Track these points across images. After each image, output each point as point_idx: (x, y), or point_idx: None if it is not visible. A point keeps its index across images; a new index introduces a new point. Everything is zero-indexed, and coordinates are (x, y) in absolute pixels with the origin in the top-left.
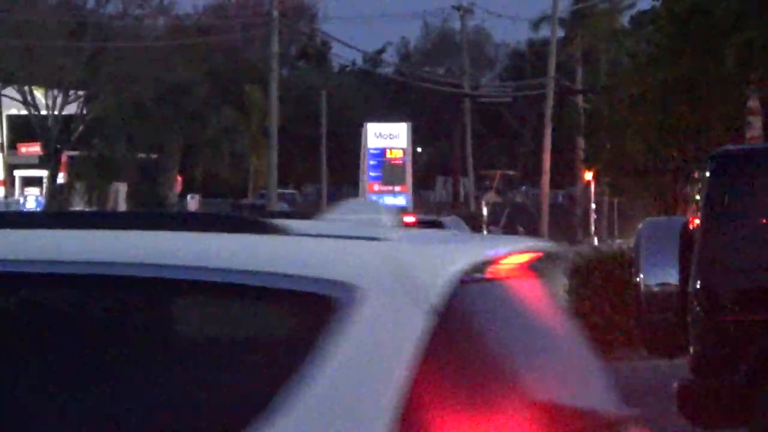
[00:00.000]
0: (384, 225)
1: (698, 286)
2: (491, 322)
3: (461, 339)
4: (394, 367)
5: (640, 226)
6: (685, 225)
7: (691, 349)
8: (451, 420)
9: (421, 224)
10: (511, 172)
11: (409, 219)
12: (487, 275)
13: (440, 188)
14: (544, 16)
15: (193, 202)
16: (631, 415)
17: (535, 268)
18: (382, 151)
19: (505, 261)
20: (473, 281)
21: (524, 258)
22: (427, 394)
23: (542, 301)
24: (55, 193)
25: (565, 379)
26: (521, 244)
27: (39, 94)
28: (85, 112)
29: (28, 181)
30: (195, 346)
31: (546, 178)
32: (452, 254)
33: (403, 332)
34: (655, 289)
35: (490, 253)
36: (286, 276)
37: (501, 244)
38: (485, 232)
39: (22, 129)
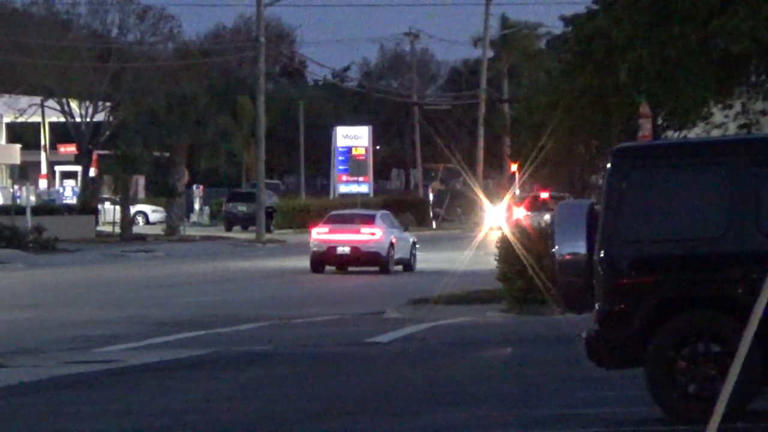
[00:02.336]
0: None
1: (601, 255)
2: None
3: None
4: None
5: (555, 207)
6: (591, 206)
7: (596, 306)
8: None
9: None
10: (451, 166)
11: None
12: None
13: (395, 179)
14: (480, 37)
15: (198, 191)
16: None
17: None
18: (349, 149)
19: None
20: None
21: None
22: None
23: None
24: (87, 184)
25: None
26: None
27: (74, 105)
28: (110, 119)
29: (65, 175)
30: None
31: (480, 170)
32: None
33: None
34: (568, 257)
35: None
36: None
37: None
38: (431, 213)
39: (61, 133)
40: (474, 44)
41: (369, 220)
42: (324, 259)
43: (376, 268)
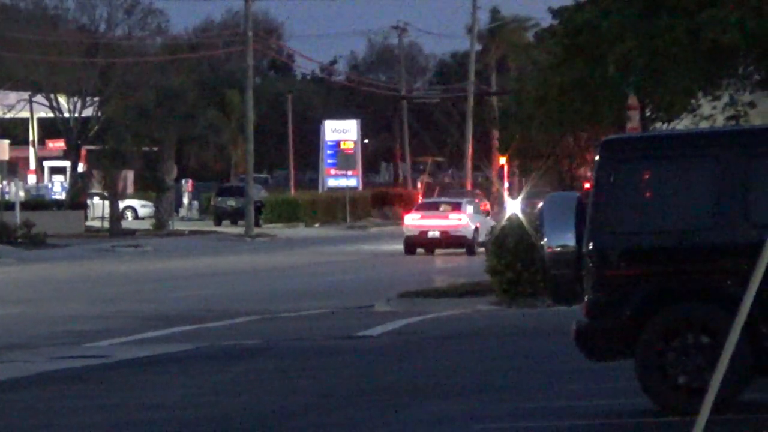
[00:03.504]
0: None
1: (590, 247)
2: None
3: None
4: None
5: (544, 199)
6: (580, 198)
7: (586, 298)
8: None
9: None
10: (440, 159)
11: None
12: None
13: (384, 172)
14: (471, 27)
15: (187, 186)
16: None
17: None
18: (337, 143)
19: None
20: None
21: None
22: None
23: None
24: (76, 179)
25: None
26: None
27: (63, 100)
28: (99, 114)
29: (54, 170)
30: None
31: (469, 163)
32: None
33: None
34: (557, 249)
35: None
36: None
37: None
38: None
39: (49, 128)
40: (468, 31)
41: (456, 207)
42: (416, 243)
43: (463, 250)
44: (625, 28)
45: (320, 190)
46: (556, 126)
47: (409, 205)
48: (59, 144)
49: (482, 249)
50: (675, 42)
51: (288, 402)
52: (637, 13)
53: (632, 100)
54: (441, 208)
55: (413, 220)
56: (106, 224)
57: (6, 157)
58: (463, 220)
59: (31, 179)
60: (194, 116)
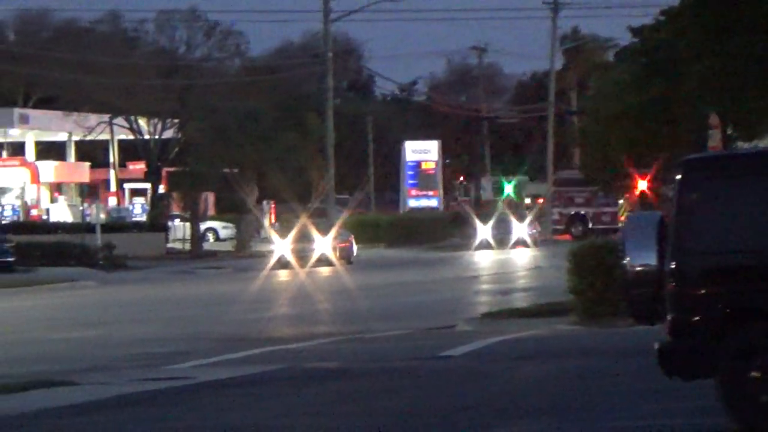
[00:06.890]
0: None
1: (672, 266)
2: None
3: None
4: None
5: (626, 219)
6: (662, 218)
7: (668, 317)
8: None
9: None
10: (524, 177)
11: None
12: None
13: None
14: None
15: (269, 208)
16: None
17: None
18: (418, 163)
19: None
20: None
21: None
22: None
23: None
24: (156, 201)
25: None
26: None
27: (142, 122)
28: (179, 136)
29: (135, 192)
30: None
31: (550, 182)
32: None
33: None
34: (639, 269)
35: None
36: None
37: None
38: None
39: (129, 150)
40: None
41: None
42: None
43: None
44: (704, 45)
45: (401, 210)
46: (633, 144)
47: None
48: (140, 166)
49: None
50: (752, 60)
51: (369, 423)
52: (713, 31)
53: (713, 118)
54: None
55: None
56: (187, 246)
57: (86, 179)
58: None
59: (112, 201)
60: (273, 138)
